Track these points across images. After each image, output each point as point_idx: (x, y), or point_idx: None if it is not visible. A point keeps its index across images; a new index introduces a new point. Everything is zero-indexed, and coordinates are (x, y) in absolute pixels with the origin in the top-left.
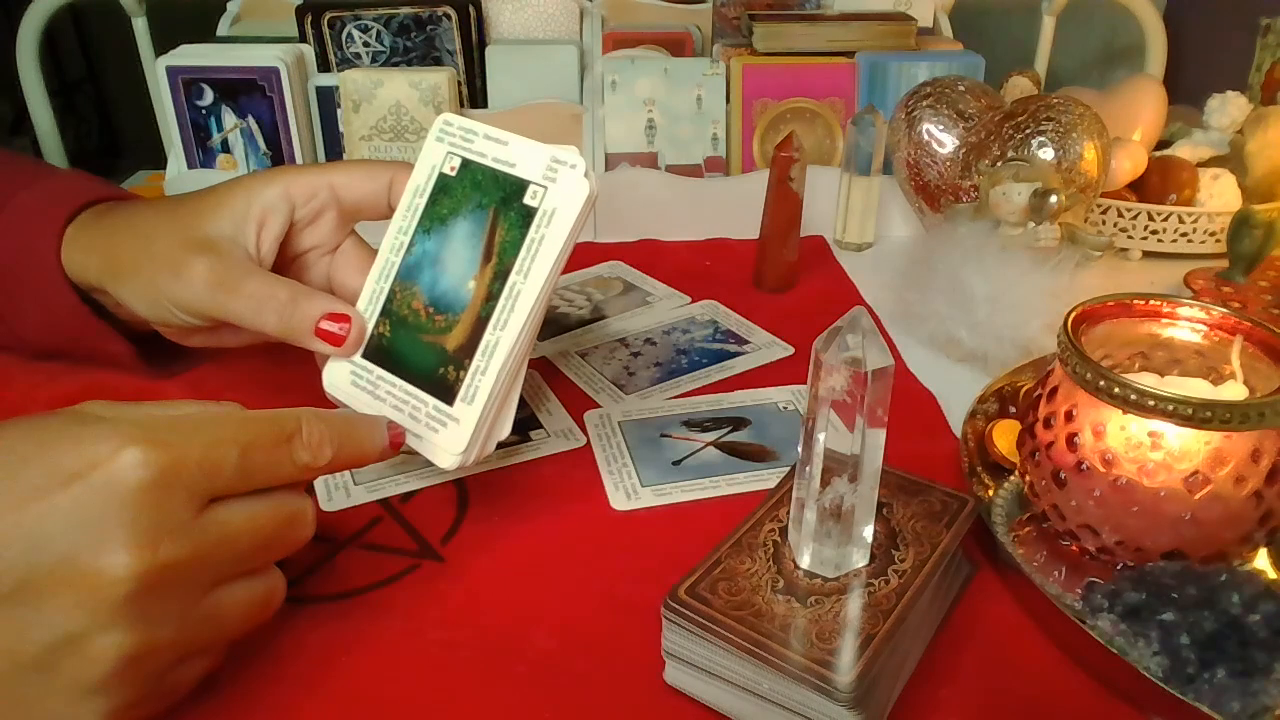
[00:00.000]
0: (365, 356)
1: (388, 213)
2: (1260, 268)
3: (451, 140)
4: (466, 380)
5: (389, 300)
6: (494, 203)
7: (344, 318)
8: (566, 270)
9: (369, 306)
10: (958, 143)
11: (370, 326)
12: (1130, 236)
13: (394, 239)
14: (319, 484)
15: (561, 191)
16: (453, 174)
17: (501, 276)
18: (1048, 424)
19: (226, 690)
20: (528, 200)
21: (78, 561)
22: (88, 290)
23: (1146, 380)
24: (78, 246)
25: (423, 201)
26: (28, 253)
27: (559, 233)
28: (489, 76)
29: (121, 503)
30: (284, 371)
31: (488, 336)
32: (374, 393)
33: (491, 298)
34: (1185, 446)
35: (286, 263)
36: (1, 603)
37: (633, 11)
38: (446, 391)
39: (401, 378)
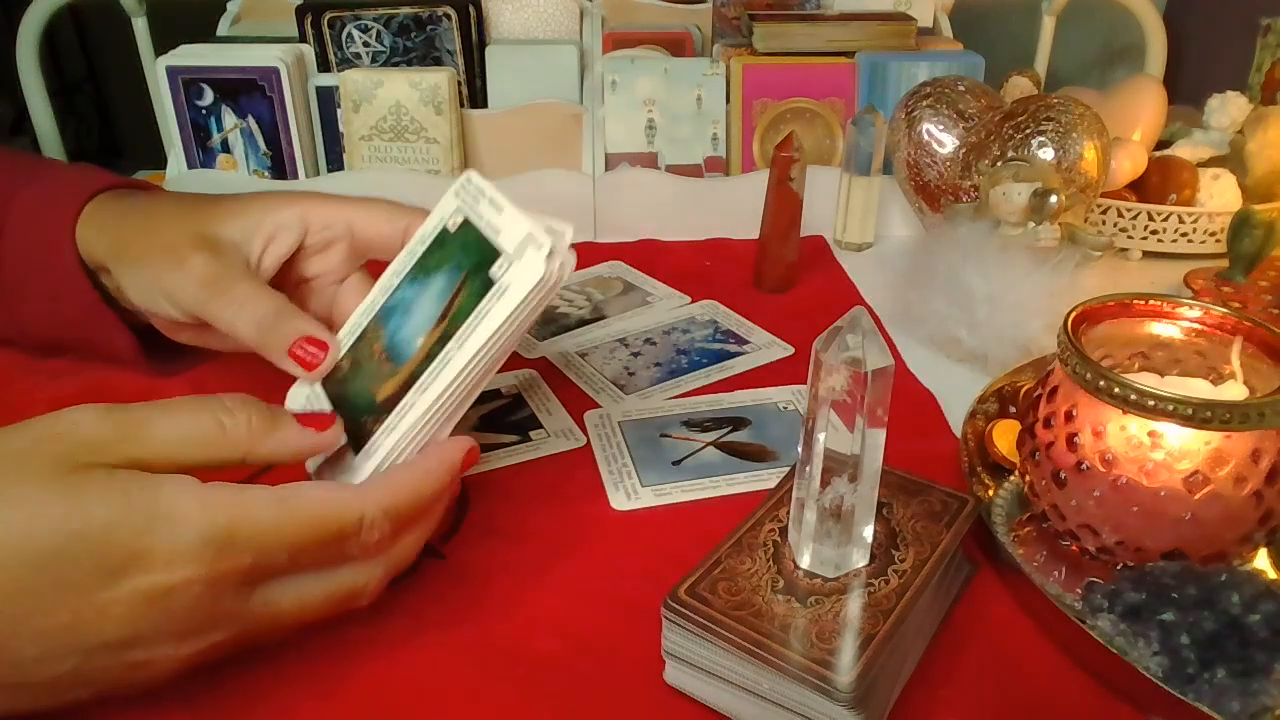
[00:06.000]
0: (324, 386)
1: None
2: (1260, 268)
3: (463, 198)
4: (376, 435)
5: (360, 338)
6: (468, 266)
7: (322, 344)
8: None
9: (347, 338)
10: (958, 143)
11: (339, 358)
12: (1130, 236)
13: (387, 279)
14: None
15: (519, 270)
16: (453, 230)
17: (443, 340)
18: (1048, 424)
19: (227, 690)
20: (493, 271)
21: (130, 652)
22: (94, 269)
23: (1146, 380)
24: (92, 224)
25: (421, 250)
26: (43, 234)
27: (502, 311)
28: (489, 76)
29: (174, 612)
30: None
31: (409, 397)
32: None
33: (429, 359)
34: (1185, 446)
35: (292, 286)
36: (54, 681)
37: (633, 11)
38: (358, 441)
39: (340, 415)
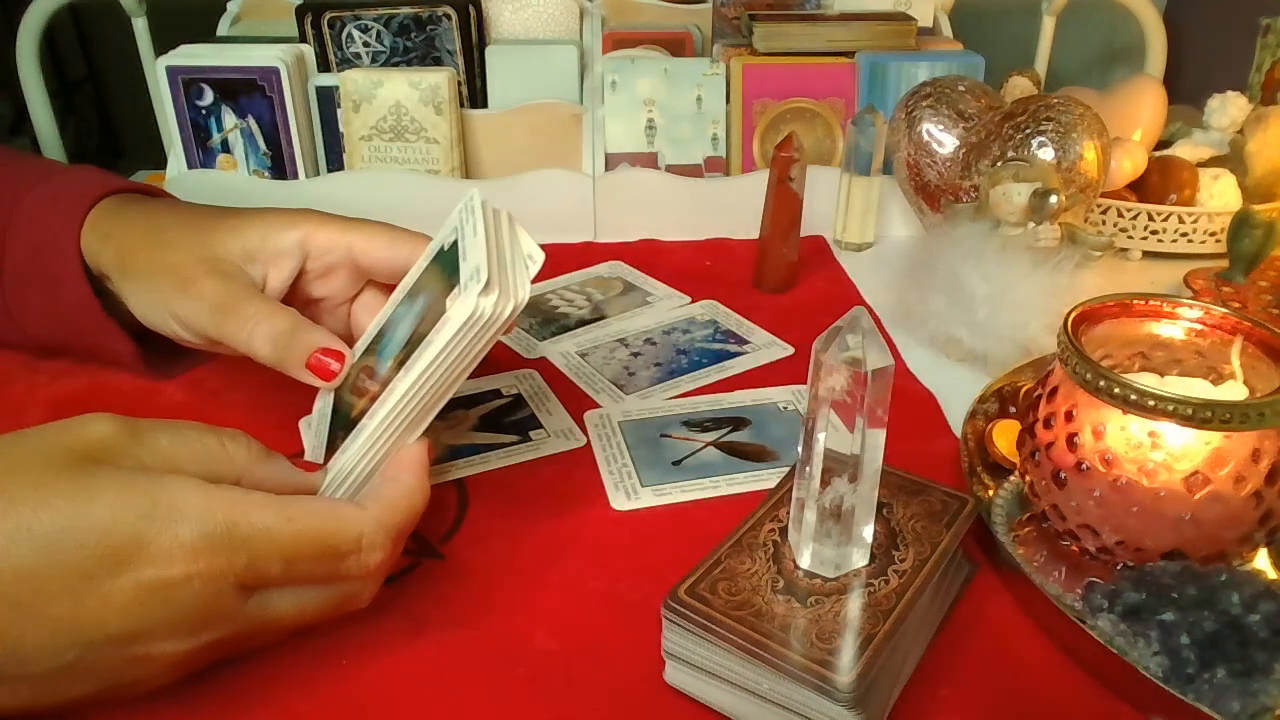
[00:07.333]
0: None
1: (400, 280)
2: (1260, 268)
3: (462, 217)
4: (339, 451)
5: (366, 350)
6: (439, 290)
7: (338, 354)
8: (565, 270)
9: (359, 348)
10: (958, 143)
11: (348, 367)
12: (1130, 236)
13: (398, 293)
14: None
15: (460, 303)
16: (446, 250)
17: (399, 366)
18: (1048, 424)
19: (226, 690)
20: (448, 300)
21: (130, 646)
22: (97, 275)
23: (1146, 380)
24: (96, 231)
25: (423, 266)
26: (47, 239)
27: (438, 344)
28: (489, 76)
29: (174, 607)
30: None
31: (364, 420)
32: (317, 427)
33: (387, 383)
34: (1185, 446)
35: (301, 305)
36: (55, 674)
37: (633, 11)
38: (330, 454)
39: (330, 423)
